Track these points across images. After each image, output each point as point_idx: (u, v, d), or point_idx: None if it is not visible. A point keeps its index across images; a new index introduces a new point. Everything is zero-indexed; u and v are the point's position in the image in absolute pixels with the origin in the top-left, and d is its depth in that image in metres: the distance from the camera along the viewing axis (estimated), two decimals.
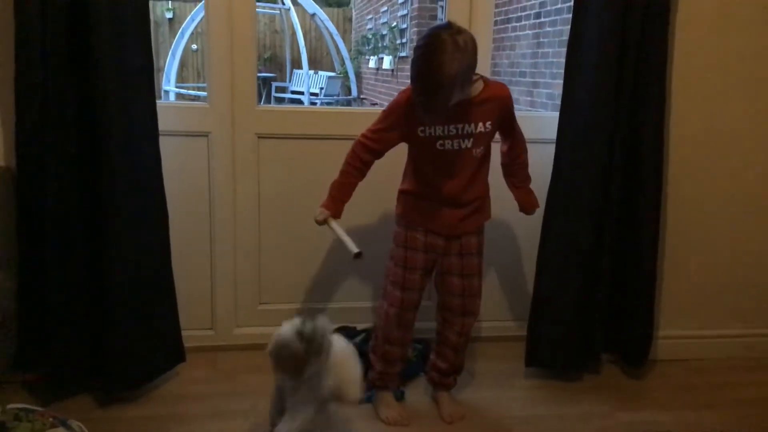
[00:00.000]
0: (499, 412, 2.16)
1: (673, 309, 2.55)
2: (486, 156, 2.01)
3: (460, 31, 1.76)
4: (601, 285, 2.33)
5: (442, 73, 1.72)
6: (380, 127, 1.97)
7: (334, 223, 1.97)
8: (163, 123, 2.07)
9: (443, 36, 1.73)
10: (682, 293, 2.55)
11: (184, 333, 2.24)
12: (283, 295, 2.54)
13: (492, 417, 2.13)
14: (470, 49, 1.76)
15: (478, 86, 1.90)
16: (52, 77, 1.88)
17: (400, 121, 1.94)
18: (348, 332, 2.51)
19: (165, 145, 2.08)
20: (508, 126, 2.02)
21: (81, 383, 2.10)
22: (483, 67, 2.43)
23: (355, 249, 1.89)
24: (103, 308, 2.03)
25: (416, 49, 1.79)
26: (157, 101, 2.04)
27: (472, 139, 1.92)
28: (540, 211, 2.28)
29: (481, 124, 1.91)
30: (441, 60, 1.71)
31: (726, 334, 2.61)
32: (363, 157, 1.99)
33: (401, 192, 2.08)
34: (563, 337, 2.32)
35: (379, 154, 2.00)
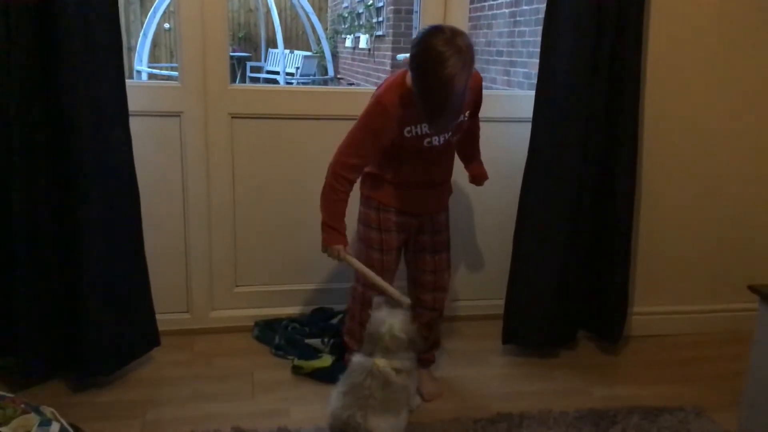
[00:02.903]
0: (477, 389, 2.18)
1: (648, 286, 2.59)
2: (454, 146, 2.03)
3: (454, 33, 1.70)
4: (576, 263, 2.35)
5: (454, 86, 1.68)
6: (363, 144, 1.88)
7: (353, 260, 1.93)
8: (134, 103, 2.03)
9: (441, 47, 1.66)
10: (656, 270, 2.58)
11: (159, 317, 2.21)
12: (259, 278, 2.52)
13: (470, 394, 2.15)
14: (470, 49, 1.72)
15: None
16: (16, 57, 1.83)
17: (384, 132, 1.86)
18: (325, 313, 2.51)
19: (135, 125, 2.03)
20: (477, 109, 2.03)
21: (53, 369, 2.07)
22: None
23: (406, 300, 1.90)
24: (75, 293, 1.99)
25: (417, 66, 1.71)
26: (128, 81, 1.99)
27: (451, 131, 1.92)
28: (516, 190, 2.29)
29: (462, 116, 1.90)
30: (450, 74, 1.65)
31: (699, 309, 2.65)
32: (351, 178, 1.90)
33: (369, 174, 2.01)
34: (539, 314, 2.34)
35: (367, 164, 1.95)
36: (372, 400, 1.76)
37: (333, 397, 1.82)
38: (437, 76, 1.67)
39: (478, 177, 2.18)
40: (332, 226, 1.90)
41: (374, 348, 1.82)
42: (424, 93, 1.73)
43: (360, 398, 1.76)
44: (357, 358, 1.85)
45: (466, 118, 1.93)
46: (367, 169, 2.02)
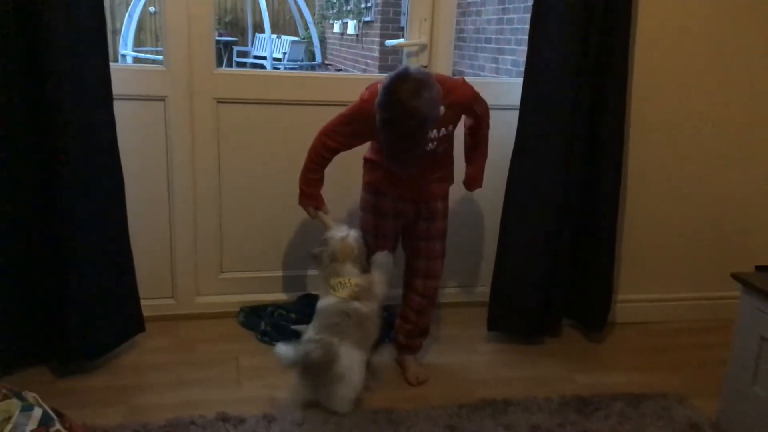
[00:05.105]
0: (462, 375, 2.19)
1: (632, 274, 2.61)
2: (450, 142, 2.02)
3: (419, 85, 1.69)
4: (561, 251, 2.36)
5: (414, 139, 1.73)
6: (345, 131, 1.95)
7: (326, 218, 2.06)
8: (118, 87, 2.00)
9: (407, 100, 1.67)
10: (640, 258, 2.60)
11: (144, 302, 2.20)
12: (244, 264, 2.51)
13: (455, 380, 2.16)
14: (435, 96, 1.72)
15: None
16: None
17: (365, 129, 1.89)
18: (311, 300, 2.51)
19: (120, 109, 2.01)
20: (470, 114, 2.03)
21: (37, 354, 2.05)
22: (448, 34, 2.41)
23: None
24: (58, 278, 1.97)
25: (381, 116, 1.73)
26: (112, 64, 1.96)
27: (435, 142, 1.92)
28: (503, 178, 2.29)
29: (443, 129, 1.91)
30: (411, 130, 1.71)
31: (682, 297, 2.67)
32: (327, 155, 1.99)
33: (368, 160, 2.07)
34: (524, 301, 2.35)
35: (343, 150, 2.00)
36: (348, 335, 1.88)
37: (304, 338, 1.93)
38: (398, 130, 1.72)
39: (469, 182, 2.15)
40: (307, 191, 2.04)
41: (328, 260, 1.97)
42: (384, 139, 1.79)
43: (336, 332, 1.88)
44: (328, 300, 1.95)
45: (449, 131, 1.94)
46: (367, 155, 2.08)
